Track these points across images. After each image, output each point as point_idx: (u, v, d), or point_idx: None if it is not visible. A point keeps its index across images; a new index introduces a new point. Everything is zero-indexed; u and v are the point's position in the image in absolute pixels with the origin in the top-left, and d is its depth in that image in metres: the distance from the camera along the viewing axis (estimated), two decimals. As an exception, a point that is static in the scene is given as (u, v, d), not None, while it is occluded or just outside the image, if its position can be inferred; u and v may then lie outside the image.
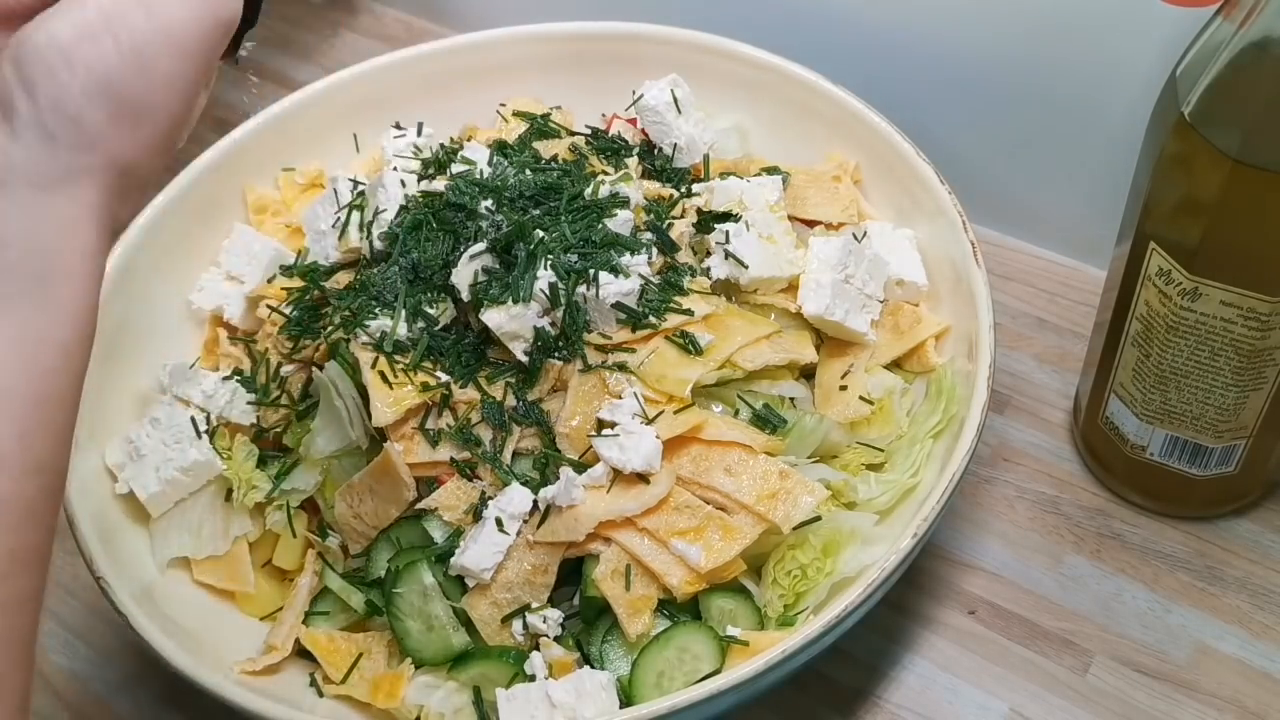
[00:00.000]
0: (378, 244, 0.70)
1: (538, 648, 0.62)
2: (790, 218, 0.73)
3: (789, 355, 0.67)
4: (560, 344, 0.64)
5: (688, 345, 0.64)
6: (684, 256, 0.69)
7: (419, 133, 0.79)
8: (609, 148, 0.75)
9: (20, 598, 0.38)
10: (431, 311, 0.66)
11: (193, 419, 0.68)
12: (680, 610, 0.62)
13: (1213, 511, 0.72)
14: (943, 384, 0.68)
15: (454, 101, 0.83)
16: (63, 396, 0.41)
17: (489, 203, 0.68)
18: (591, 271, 0.64)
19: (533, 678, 0.60)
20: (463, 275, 0.64)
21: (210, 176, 0.78)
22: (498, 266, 0.65)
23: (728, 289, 0.69)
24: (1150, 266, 0.62)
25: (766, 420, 0.65)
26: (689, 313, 0.66)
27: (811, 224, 0.75)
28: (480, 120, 0.83)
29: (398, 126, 0.80)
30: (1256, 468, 0.69)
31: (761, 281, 0.69)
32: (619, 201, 0.68)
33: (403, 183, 0.72)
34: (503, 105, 0.82)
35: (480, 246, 0.65)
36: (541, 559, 0.61)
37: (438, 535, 0.63)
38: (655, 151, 0.76)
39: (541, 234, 0.65)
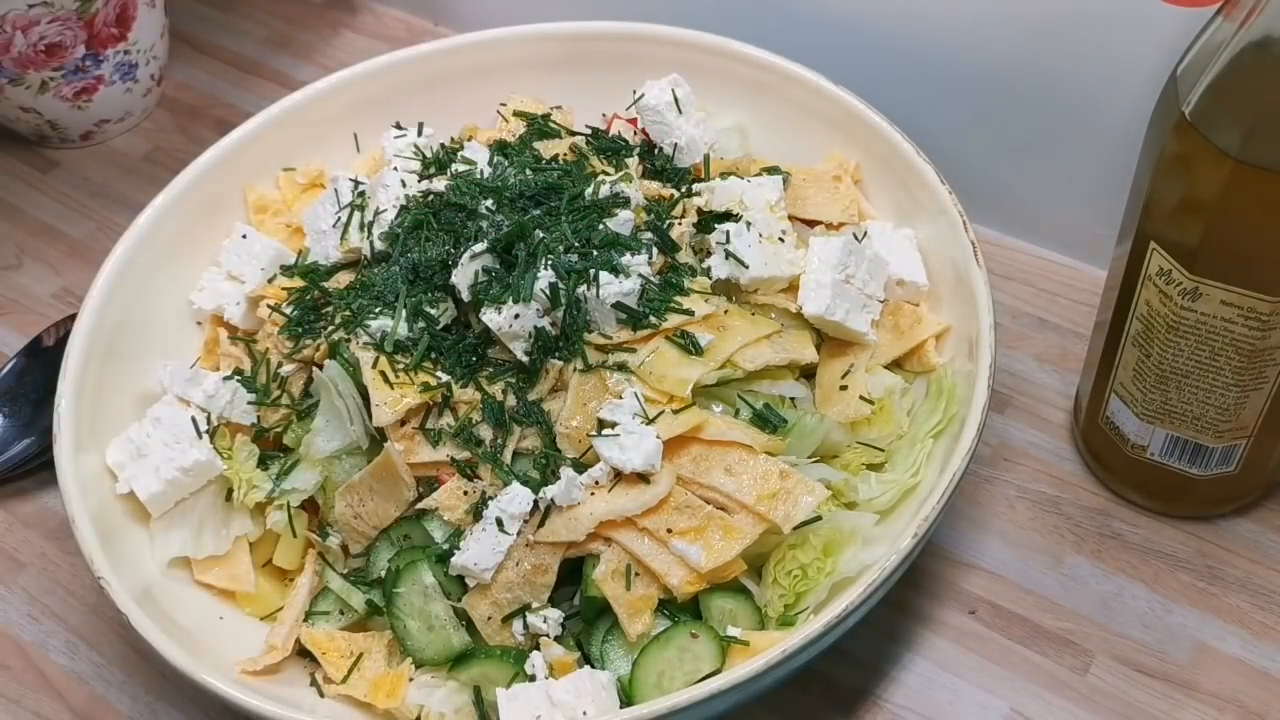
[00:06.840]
0: (378, 244, 0.70)
1: (538, 647, 0.62)
2: (790, 218, 0.73)
3: (789, 355, 0.67)
4: (560, 344, 0.64)
5: (688, 345, 0.64)
6: (684, 256, 0.69)
7: (419, 133, 0.79)
8: (609, 148, 0.75)
9: None
10: (432, 311, 0.66)
11: (193, 419, 0.68)
12: (680, 610, 0.62)
13: (1213, 511, 0.72)
14: (943, 384, 0.68)
15: (454, 101, 0.83)
16: None
17: (489, 203, 0.68)
18: (592, 271, 0.64)
19: (533, 678, 0.60)
20: (463, 275, 0.64)
21: (210, 176, 0.78)
22: (498, 266, 0.65)
23: (728, 289, 0.69)
24: (1151, 266, 0.62)
25: (767, 420, 0.65)
26: (689, 313, 0.65)
27: (812, 224, 0.75)
28: (480, 120, 0.83)
29: (398, 126, 0.80)
30: (1257, 467, 0.69)
31: (762, 281, 0.69)
32: (619, 201, 0.68)
33: (403, 183, 0.72)
34: (503, 105, 0.82)
35: (480, 246, 0.65)
36: (542, 559, 0.61)
37: (438, 535, 0.63)
38: (655, 151, 0.76)
39: (542, 234, 0.65)
